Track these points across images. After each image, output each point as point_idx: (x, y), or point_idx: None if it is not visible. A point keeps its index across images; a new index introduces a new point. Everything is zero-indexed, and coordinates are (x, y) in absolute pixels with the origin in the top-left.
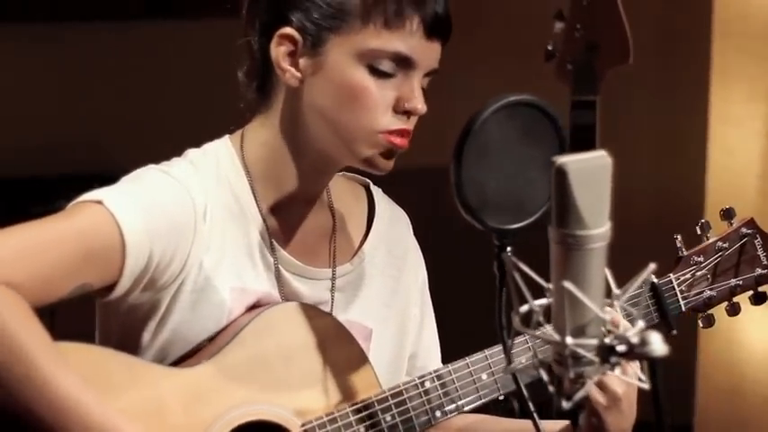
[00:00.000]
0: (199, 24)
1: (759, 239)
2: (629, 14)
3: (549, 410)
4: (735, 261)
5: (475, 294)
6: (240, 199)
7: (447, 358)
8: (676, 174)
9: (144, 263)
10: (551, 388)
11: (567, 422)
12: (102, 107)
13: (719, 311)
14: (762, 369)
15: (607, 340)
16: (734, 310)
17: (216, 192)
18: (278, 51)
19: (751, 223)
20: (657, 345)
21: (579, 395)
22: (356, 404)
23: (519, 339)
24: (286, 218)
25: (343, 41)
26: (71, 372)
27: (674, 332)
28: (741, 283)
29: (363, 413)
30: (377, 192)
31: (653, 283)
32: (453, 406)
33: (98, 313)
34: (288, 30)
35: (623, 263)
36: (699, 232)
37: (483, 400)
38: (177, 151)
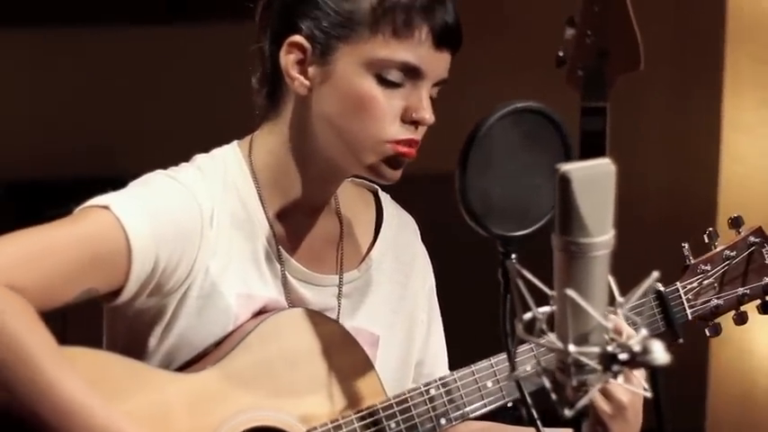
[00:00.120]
0: (212, 29)
1: (767, 248)
2: (642, 21)
3: (556, 418)
4: (742, 270)
5: (482, 301)
6: (247, 205)
7: (454, 365)
8: (688, 180)
9: (150, 268)
10: (554, 396)
11: (570, 430)
12: (116, 111)
13: (727, 320)
14: None
15: (609, 348)
16: (741, 320)
17: (223, 198)
18: (287, 59)
19: (759, 232)
20: (659, 353)
21: (582, 403)
22: (361, 411)
23: (525, 347)
24: (293, 224)
25: (351, 50)
26: (75, 375)
27: (681, 340)
28: (749, 292)
29: (368, 420)
30: (385, 198)
31: (659, 291)
32: (458, 413)
33: (105, 317)
34: (297, 38)
35: (634, 269)
36: (706, 241)
37: (488, 408)
38: (191, 156)
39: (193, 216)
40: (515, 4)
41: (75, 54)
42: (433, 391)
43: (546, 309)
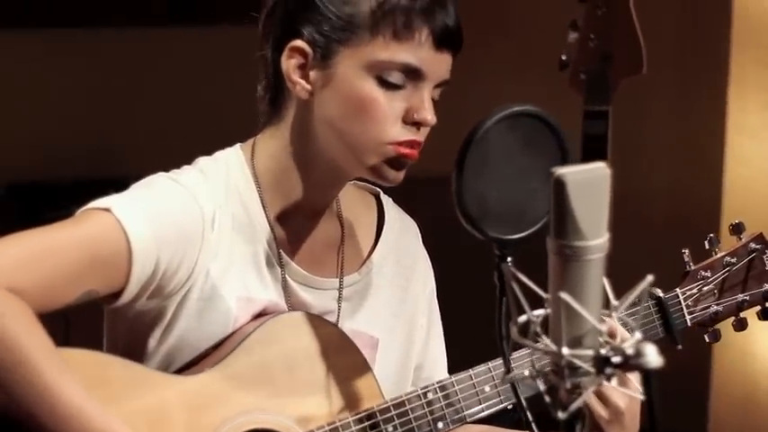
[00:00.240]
0: (218, 31)
1: None
2: (647, 25)
3: (553, 421)
4: (743, 276)
5: (483, 305)
6: (249, 208)
7: (456, 367)
8: (692, 183)
9: (151, 270)
10: (547, 398)
11: None
12: (117, 113)
13: (728, 324)
14: None
15: (603, 351)
16: (741, 326)
17: (225, 200)
18: (288, 64)
19: (760, 238)
20: (652, 356)
21: (575, 405)
22: (358, 414)
23: (523, 351)
24: (294, 228)
25: (352, 53)
26: (74, 379)
27: (679, 347)
28: (748, 298)
29: (365, 423)
30: (387, 201)
31: (659, 297)
32: (456, 417)
33: (106, 319)
34: (298, 42)
35: (638, 272)
36: (707, 247)
37: (486, 412)
38: (193, 157)
39: (195, 219)
40: (519, 7)
41: (76, 55)
42: (430, 395)
43: (540, 312)
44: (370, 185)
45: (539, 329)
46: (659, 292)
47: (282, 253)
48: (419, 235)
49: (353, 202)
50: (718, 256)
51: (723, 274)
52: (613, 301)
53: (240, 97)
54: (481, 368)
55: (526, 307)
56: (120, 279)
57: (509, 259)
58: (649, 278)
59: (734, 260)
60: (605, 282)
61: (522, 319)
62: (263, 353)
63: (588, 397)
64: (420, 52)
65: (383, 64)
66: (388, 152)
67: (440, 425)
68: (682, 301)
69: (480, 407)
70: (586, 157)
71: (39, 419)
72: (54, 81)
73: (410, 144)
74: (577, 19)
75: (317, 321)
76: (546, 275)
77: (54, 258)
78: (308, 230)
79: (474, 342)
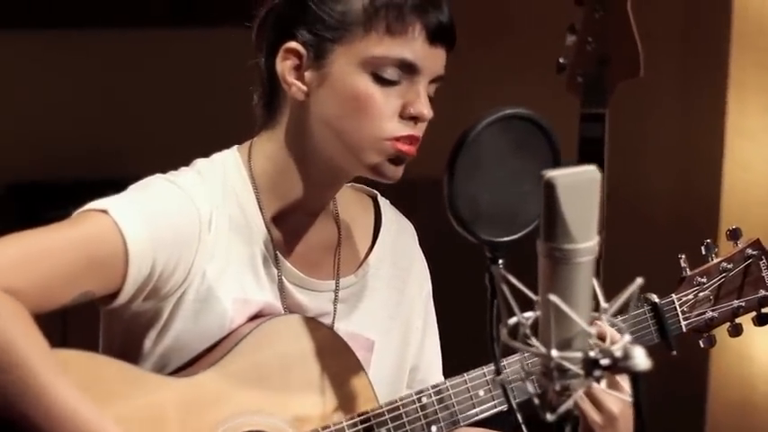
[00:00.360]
0: (218, 32)
1: (764, 261)
2: (648, 28)
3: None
4: (739, 282)
5: (479, 307)
6: (246, 210)
7: (452, 370)
8: (692, 185)
9: (147, 272)
10: (536, 401)
11: None
12: (117, 114)
13: (723, 329)
14: None
15: (591, 353)
16: (736, 331)
17: (222, 202)
18: (283, 66)
19: (756, 244)
20: (640, 359)
21: (564, 407)
22: (352, 417)
23: (518, 356)
24: (291, 230)
25: (346, 51)
26: (69, 381)
27: (674, 353)
28: (744, 304)
29: (359, 426)
30: (384, 203)
31: (655, 303)
32: (450, 421)
33: (102, 320)
34: (292, 44)
35: (637, 274)
36: (703, 252)
37: (480, 416)
38: (194, 158)
39: (192, 220)
40: (518, 11)
41: (77, 56)
42: (425, 399)
43: (530, 314)
44: (367, 188)
45: (528, 332)
46: (655, 298)
47: (279, 254)
48: (416, 237)
49: (350, 203)
50: (715, 261)
51: (719, 279)
52: (603, 304)
53: (240, 99)
54: (476, 372)
55: (516, 309)
56: (117, 280)
57: (500, 261)
58: (639, 281)
59: (730, 266)
60: (595, 284)
61: (513, 321)
62: (259, 355)
63: (582, 401)
64: (414, 47)
65: (378, 60)
66: (387, 149)
67: (433, 428)
68: (677, 307)
69: (474, 410)
70: (583, 160)
71: (34, 420)
72: (54, 82)
73: (408, 140)
74: (576, 22)
75: (313, 324)
76: (536, 278)
77: (50, 259)
78: (304, 232)
79: (470, 344)
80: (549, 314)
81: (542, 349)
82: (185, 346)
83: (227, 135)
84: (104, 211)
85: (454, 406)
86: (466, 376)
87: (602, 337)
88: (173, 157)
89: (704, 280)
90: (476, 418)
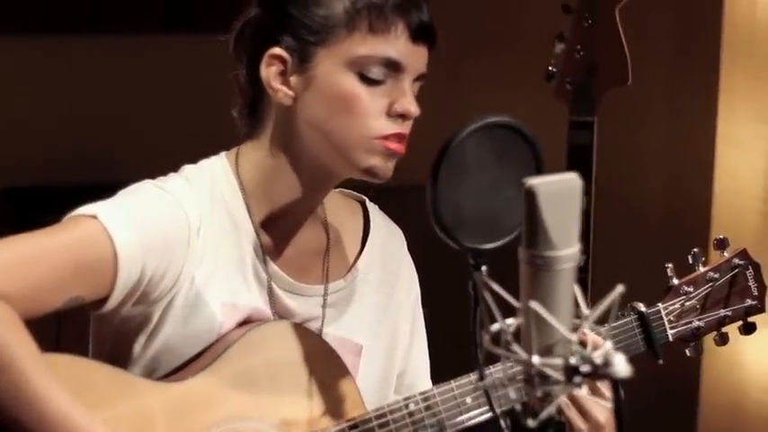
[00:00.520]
0: (210, 38)
1: (751, 270)
2: (638, 36)
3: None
4: (725, 292)
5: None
6: (234, 215)
7: (441, 375)
8: (681, 193)
9: (136, 277)
10: (518, 406)
11: None
12: (114, 119)
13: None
14: (762, 389)
15: (572, 360)
16: (722, 340)
17: (210, 208)
18: (268, 72)
19: (743, 254)
20: (621, 365)
21: (545, 413)
22: (340, 423)
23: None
24: (280, 235)
25: (330, 53)
26: (60, 385)
27: (660, 362)
28: (730, 314)
29: None
30: (373, 208)
31: (641, 312)
32: (437, 429)
33: (92, 324)
34: (276, 50)
35: (626, 280)
36: (690, 261)
37: (467, 423)
38: (190, 164)
39: (180, 226)
40: (508, 19)
41: (73, 61)
42: (412, 406)
43: (512, 321)
44: (355, 193)
45: (510, 338)
46: (641, 307)
47: (268, 259)
48: (404, 242)
49: (339, 208)
50: (702, 271)
51: (706, 289)
52: (585, 311)
53: (233, 106)
54: (464, 379)
55: (498, 316)
56: (106, 285)
57: (483, 268)
58: (619, 288)
59: (717, 275)
60: (577, 291)
61: (495, 327)
62: (247, 361)
63: (568, 409)
64: (398, 45)
65: (363, 59)
66: (376, 147)
67: None
68: (664, 317)
69: (462, 417)
70: (572, 168)
71: (26, 425)
72: (51, 87)
73: (397, 137)
74: (564, 30)
75: (301, 331)
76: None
77: (40, 264)
78: (293, 237)
79: (458, 349)
80: (530, 321)
81: (524, 356)
82: (175, 351)
83: (223, 140)
84: (94, 217)
85: (442, 413)
86: (453, 383)
87: (583, 344)
88: (169, 163)
89: (691, 289)
90: (463, 425)
